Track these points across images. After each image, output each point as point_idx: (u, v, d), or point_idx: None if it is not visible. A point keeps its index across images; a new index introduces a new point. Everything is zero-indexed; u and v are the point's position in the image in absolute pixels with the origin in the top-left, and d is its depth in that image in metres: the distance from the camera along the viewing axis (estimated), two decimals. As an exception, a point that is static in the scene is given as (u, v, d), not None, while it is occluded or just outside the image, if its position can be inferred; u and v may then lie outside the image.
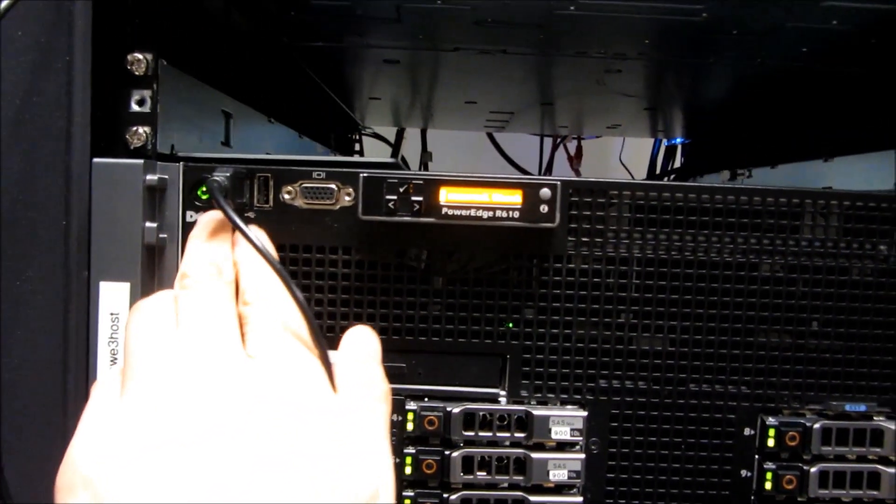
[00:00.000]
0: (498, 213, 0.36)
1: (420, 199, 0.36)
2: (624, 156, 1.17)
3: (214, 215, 0.33)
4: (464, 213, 0.36)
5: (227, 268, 0.31)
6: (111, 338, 0.36)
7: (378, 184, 0.36)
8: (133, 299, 0.36)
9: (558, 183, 0.36)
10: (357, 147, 1.10)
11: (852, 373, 0.39)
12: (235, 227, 0.31)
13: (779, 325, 0.38)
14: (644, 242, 0.38)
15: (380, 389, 0.30)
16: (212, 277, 0.30)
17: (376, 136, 1.12)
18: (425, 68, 0.65)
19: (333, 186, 0.37)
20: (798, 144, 0.73)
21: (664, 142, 1.09)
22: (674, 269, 0.38)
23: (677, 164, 1.08)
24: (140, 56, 0.37)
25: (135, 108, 0.38)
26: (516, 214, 0.36)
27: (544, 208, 0.36)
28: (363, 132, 1.10)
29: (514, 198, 0.36)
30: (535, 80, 0.69)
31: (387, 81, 0.72)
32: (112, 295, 0.36)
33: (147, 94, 0.38)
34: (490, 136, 1.08)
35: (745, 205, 0.38)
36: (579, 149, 1.12)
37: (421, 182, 0.36)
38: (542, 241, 0.38)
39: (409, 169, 0.48)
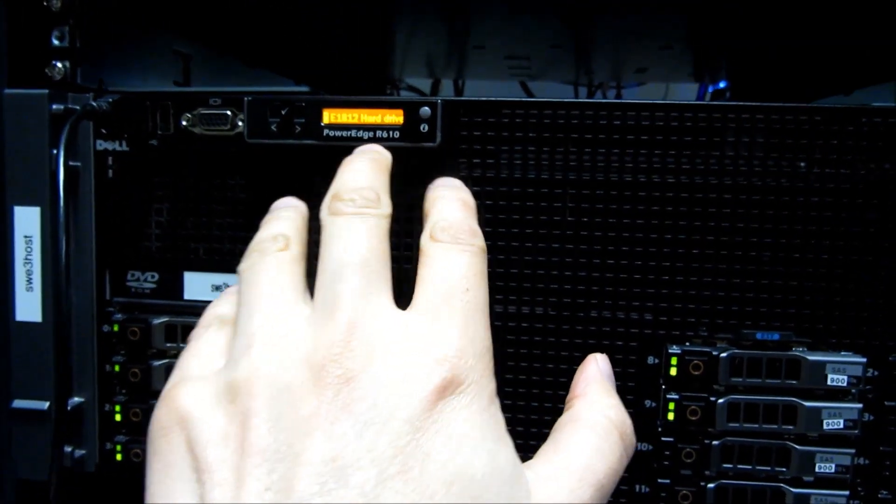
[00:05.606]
0: (378, 134, 0.36)
1: (302, 120, 0.36)
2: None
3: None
4: (344, 133, 0.36)
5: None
6: (25, 259, 0.38)
7: (262, 107, 0.36)
8: (44, 223, 0.38)
9: (438, 101, 0.35)
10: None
11: (766, 299, 0.36)
12: None
13: (685, 247, 0.36)
14: (539, 163, 0.37)
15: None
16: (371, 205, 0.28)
17: (412, 88, 1.12)
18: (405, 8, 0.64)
19: (229, 113, 0.38)
20: (823, 81, 0.69)
21: (709, 87, 1.03)
22: (571, 189, 0.37)
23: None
24: (56, -9, 0.39)
25: (55, 43, 0.40)
26: (397, 135, 0.36)
27: (424, 127, 0.35)
28: (399, 86, 1.10)
29: (396, 118, 0.36)
30: (526, 16, 0.66)
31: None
32: (25, 218, 0.38)
33: (66, 29, 0.40)
34: (523, 84, 1.05)
35: (646, 120, 0.36)
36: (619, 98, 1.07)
37: (303, 104, 0.36)
38: (431, 164, 0.37)
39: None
